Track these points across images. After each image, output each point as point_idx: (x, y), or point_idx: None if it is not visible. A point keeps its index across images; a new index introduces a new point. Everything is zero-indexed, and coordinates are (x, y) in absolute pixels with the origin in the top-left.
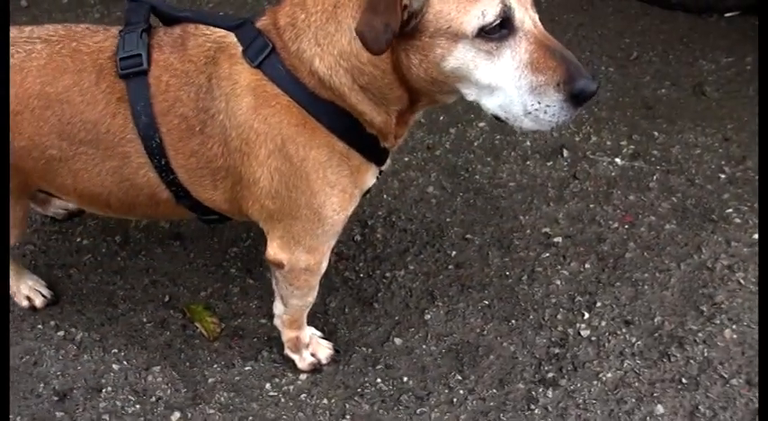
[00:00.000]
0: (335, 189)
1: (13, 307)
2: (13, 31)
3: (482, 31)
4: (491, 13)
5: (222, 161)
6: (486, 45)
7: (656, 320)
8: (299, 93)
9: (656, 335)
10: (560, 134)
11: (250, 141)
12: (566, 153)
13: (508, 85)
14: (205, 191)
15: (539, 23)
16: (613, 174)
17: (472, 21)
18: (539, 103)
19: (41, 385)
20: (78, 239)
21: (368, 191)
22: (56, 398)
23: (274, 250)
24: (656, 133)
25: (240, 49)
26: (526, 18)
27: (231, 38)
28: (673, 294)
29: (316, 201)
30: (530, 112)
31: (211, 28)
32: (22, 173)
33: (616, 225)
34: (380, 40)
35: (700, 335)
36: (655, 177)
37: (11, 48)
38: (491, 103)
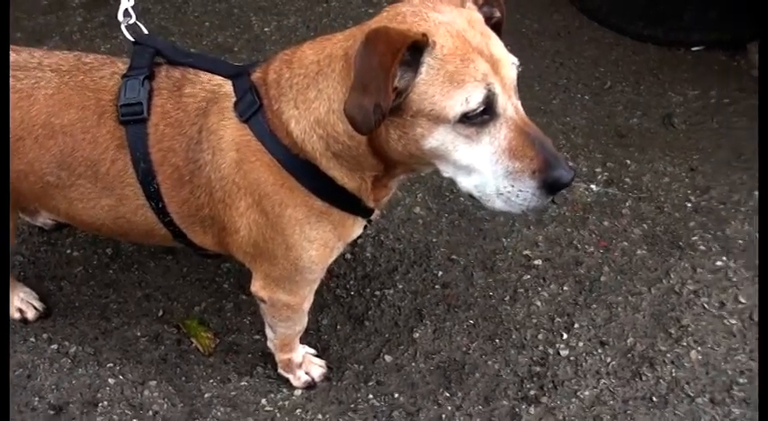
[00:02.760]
0: (315, 243)
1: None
2: (24, 55)
3: (464, 117)
4: (475, 100)
5: (208, 210)
6: (467, 130)
7: (628, 341)
8: (279, 152)
9: (629, 355)
10: None
11: (232, 193)
12: None
13: (484, 168)
14: (197, 236)
15: (521, 110)
16: (589, 199)
17: (455, 106)
18: (512, 186)
19: (36, 399)
20: (68, 251)
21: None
22: (51, 412)
23: (256, 288)
24: (628, 161)
25: (233, 100)
26: (508, 105)
27: (227, 87)
28: (644, 317)
29: (292, 254)
30: (502, 194)
31: (210, 74)
32: (16, 192)
33: (592, 249)
34: (370, 121)
35: (668, 355)
36: (627, 204)
37: (20, 72)
38: (466, 182)
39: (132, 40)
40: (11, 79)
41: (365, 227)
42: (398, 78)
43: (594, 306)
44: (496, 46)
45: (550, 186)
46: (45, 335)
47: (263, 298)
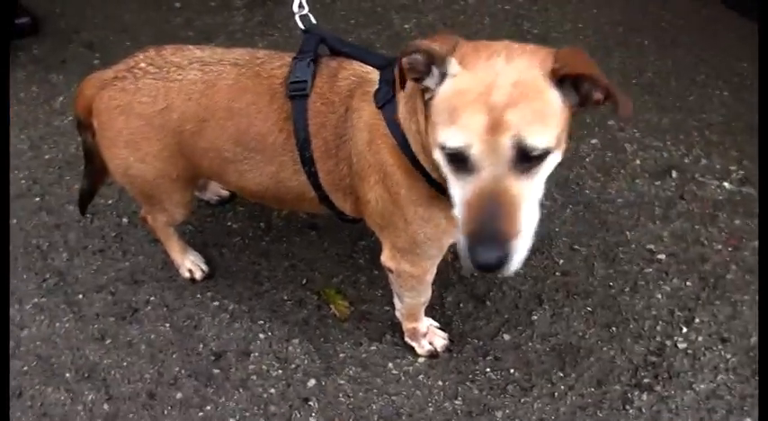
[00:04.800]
0: (429, 223)
1: (176, 277)
2: (207, 52)
3: (443, 150)
4: (451, 143)
5: (348, 181)
6: (450, 165)
7: (752, 340)
8: (400, 139)
9: (751, 353)
10: (670, 154)
11: (365, 168)
12: (674, 174)
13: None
14: (338, 201)
15: (503, 181)
16: (721, 197)
17: (439, 137)
18: (460, 235)
19: (200, 345)
20: (229, 223)
21: None
22: (213, 358)
23: (385, 258)
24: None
25: (375, 87)
26: (489, 168)
27: (373, 75)
28: None
29: (410, 228)
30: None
31: (362, 64)
32: (198, 167)
33: (720, 247)
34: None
35: None
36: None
37: (206, 67)
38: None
39: (303, 28)
40: (198, 72)
41: None
42: (426, 79)
43: (718, 303)
44: (515, 115)
45: (472, 258)
46: (209, 294)
47: (390, 268)
